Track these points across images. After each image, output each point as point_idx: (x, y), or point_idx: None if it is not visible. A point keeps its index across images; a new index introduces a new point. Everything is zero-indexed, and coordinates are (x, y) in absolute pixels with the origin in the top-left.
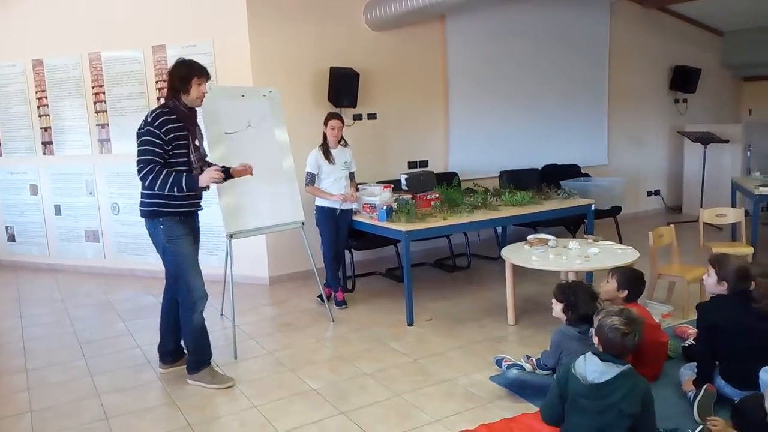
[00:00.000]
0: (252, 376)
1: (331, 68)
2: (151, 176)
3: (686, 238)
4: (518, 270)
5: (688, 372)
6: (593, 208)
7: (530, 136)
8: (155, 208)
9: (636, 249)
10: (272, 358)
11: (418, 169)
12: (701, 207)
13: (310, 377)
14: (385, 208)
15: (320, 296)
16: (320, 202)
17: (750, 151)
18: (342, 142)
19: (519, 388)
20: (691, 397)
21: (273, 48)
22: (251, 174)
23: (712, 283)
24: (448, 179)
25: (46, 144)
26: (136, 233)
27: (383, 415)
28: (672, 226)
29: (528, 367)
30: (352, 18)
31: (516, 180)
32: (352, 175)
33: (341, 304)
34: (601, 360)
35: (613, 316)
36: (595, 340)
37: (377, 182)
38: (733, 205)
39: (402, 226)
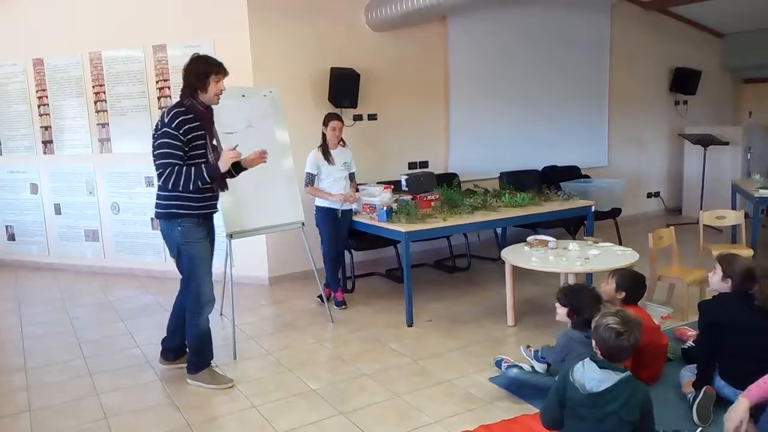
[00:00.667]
0: (251, 376)
1: (332, 69)
2: (173, 178)
3: (686, 240)
4: (518, 271)
5: (688, 374)
6: (593, 210)
7: (530, 137)
8: (173, 210)
9: (636, 251)
10: (272, 359)
11: (418, 170)
12: (701, 209)
13: (309, 378)
14: (385, 208)
15: (320, 297)
16: (320, 202)
17: (750, 154)
18: (341, 143)
19: (518, 388)
20: (691, 399)
21: (274, 48)
22: (265, 161)
23: (717, 280)
24: (448, 180)
25: (47, 143)
26: (136, 233)
27: (382, 416)
28: (672, 227)
29: (527, 366)
30: (353, 18)
31: (516, 181)
32: (352, 176)
33: (341, 304)
34: (600, 367)
35: (609, 317)
36: (593, 343)
37: (377, 183)
38: (733, 208)
39: (402, 227)
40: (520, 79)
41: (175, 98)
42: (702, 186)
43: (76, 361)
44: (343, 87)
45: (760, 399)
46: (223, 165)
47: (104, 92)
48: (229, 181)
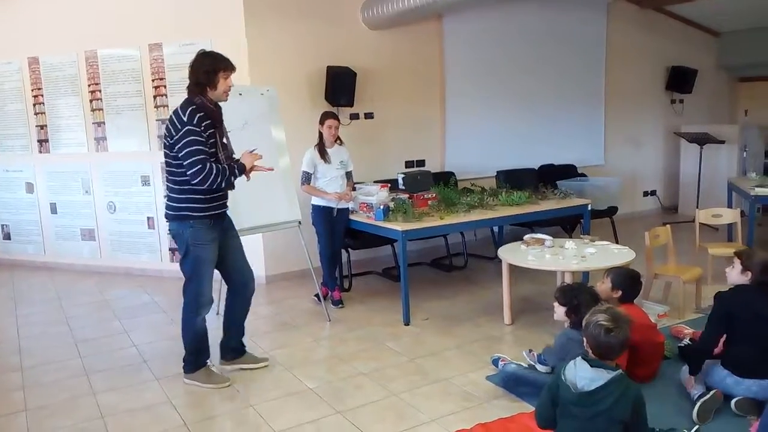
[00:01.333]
0: (248, 375)
1: (328, 67)
2: (210, 175)
3: (682, 239)
4: (515, 270)
5: (685, 370)
6: (590, 208)
7: (527, 135)
8: (185, 212)
9: (632, 249)
10: (268, 357)
11: (415, 169)
12: (697, 207)
13: (306, 377)
14: (381, 207)
15: (317, 295)
16: (316, 201)
17: (746, 152)
18: (338, 142)
19: (515, 384)
20: (695, 397)
21: (270, 47)
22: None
23: (736, 274)
24: (444, 179)
25: (42, 142)
26: (132, 231)
27: (379, 415)
28: (668, 226)
29: (524, 364)
30: (350, 17)
31: (513, 180)
32: (349, 175)
33: (338, 303)
34: (591, 366)
35: (599, 314)
36: (584, 341)
37: (374, 181)
38: (729, 206)
39: (399, 226)
40: (516, 77)
41: (172, 97)
42: (698, 184)
43: (73, 361)
44: (340, 86)
45: None
46: (249, 164)
47: (100, 91)
48: None
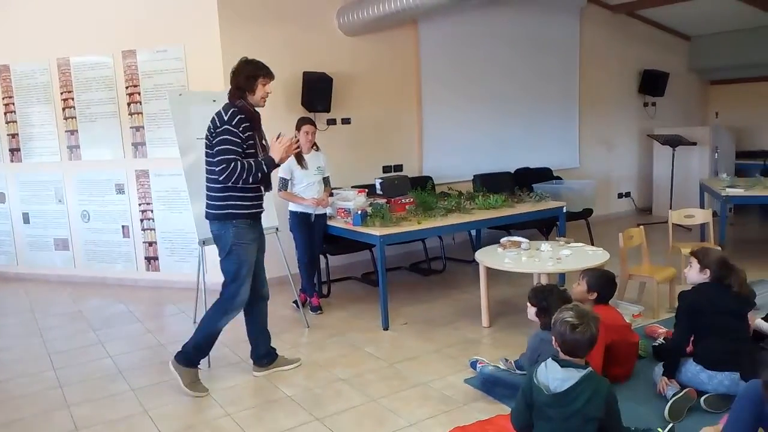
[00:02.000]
0: (226, 384)
1: (305, 73)
2: (235, 173)
3: (656, 239)
4: (492, 272)
5: (659, 371)
6: (565, 211)
7: (503, 140)
8: (229, 210)
9: (607, 250)
10: (246, 366)
11: (393, 174)
12: (671, 208)
13: (284, 384)
14: (359, 212)
15: (295, 302)
16: (294, 207)
17: (717, 153)
18: (314, 147)
19: (493, 386)
20: (669, 395)
21: (245, 52)
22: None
23: (695, 273)
24: (422, 183)
25: (14, 151)
26: (107, 240)
27: (358, 421)
28: (642, 227)
29: (503, 366)
30: (325, 23)
31: (489, 183)
32: (326, 180)
33: (316, 309)
34: (561, 366)
35: (565, 312)
36: (553, 340)
37: (352, 187)
38: (702, 206)
39: (376, 231)
40: (491, 82)
41: (147, 104)
42: (671, 186)
43: (47, 373)
44: (316, 91)
45: None
46: (277, 157)
47: (73, 99)
48: (199, 185)
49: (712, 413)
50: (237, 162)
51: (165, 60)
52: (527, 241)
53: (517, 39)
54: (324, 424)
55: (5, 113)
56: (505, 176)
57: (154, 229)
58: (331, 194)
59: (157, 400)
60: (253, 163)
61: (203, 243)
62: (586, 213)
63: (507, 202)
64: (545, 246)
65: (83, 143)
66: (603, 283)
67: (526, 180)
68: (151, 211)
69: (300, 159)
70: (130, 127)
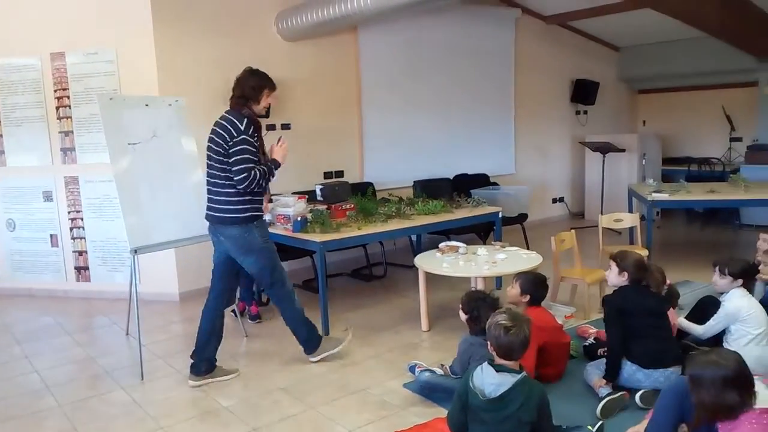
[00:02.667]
0: (160, 396)
1: None
2: (255, 180)
3: (588, 242)
4: (431, 277)
5: (594, 370)
6: (501, 216)
7: (442, 146)
8: (250, 213)
9: (541, 254)
10: (181, 377)
11: (334, 180)
12: (601, 213)
13: (221, 395)
14: (299, 219)
15: (233, 311)
16: None
17: (645, 160)
18: None
19: (430, 391)
20: (603, 394)
21: (180, 56)
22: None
23: (614, 276)
24: (363, 189)
25: None
26: (34, 250)
27: (297, 430)
28: (573, 231)
29: (438, 370)
30: (264, 27)
31: (429, 189)
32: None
33: (255, 318)
34: (497, 371)
35: (498, 315)
36: (488, 345)
37: (292, 193)
38: (630, 211)
39: (317, 237)
40: (431, 88)
41: (76, 108)
42: (602, 191)
43: None
44: None
45: None
46: (281, 158)
47: None
48: (131, 192)
49: (645, 409)
50: (256, 170)
51: (96, 63)
52: (464, 245)
53: (455, 47)
54: None
55: None
56: (444, 182)
57: (84, 238)
58: (271, 200)
59: (86, 416)
60: (265, 168)
61: (135, 252)
62: (522, 218)
63: (446, 208)
64: (482, 250)
65: (8, 149)
66: (535, 285)
67: (464, 186)
68: (81, 219)
69: None
70: (59, 132)
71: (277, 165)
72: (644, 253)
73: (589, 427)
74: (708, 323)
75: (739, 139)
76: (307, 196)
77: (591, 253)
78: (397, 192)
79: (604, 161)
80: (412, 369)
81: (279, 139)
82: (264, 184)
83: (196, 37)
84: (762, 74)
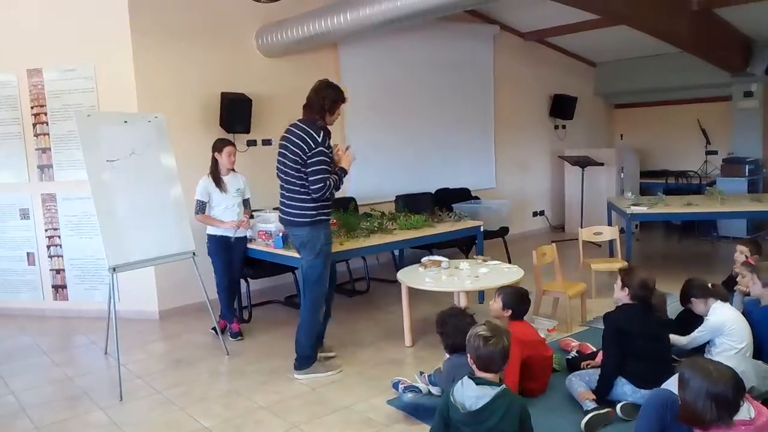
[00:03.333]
0: (139, 418)
1: (222, 93)
2: (329, 189)
3: (568, 256)
4: (414, 291)
5: (578, 381)
6: (482, 230)
7: (424, 161)
8: (320, 217)
9: (523, 267)
10: (161, 397)
11: None
12: (581, 226)
13: (202, 415)
14: (281, 234)
15: (214, 329)
16: (211, 230)
17: (623, 173)
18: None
19: (414, 410)
20: (588, 408)
21: (160, 72)
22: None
23: (618, 290)
24: (345, 204)
25: None
26: (11, 269)
27: None
28: (554, 244)
29: (423, 387)
30: (244, 44)
31: (411, 204)
32: (246, 202)
33: (236, 335)
34: (477, 384)
35: (478, 327)
36: (468, 357)
37: (273, 209)
38: (609, 224)
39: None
40: (412, 104)
41: (54, 125)
42: (581, 204)
43: None
44: (235, 112)
45: None
46: (347, 165)
47: None
48: (110, 209)
49: (626, 421)
50: (330, 179)
51: (74, 79)
52: (447, 260)
53: (436, 63)
54: None
55: None
56: (425, 197)
57: (61, 256)
58: (252, 216)
59: None
60: (336, 177)
61: (114, 270)
62: (503, 231)
63: (428, 222)
64: (464, 264)
65: None
66: (516, 300)
67: (446, 200)
68: (59, 237)
69: (218, 181)
70: (36, 149)
71: (345, 173)
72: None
73: None
74: (692, 335)
75: (714, 152)
76: None
77: (572, 266)
78: (379, 207)
79: (583, 175)
80: (395, 385)
81: (347, 147)
82: (334, 194)
83: (175, 53)
84: (735, 88)
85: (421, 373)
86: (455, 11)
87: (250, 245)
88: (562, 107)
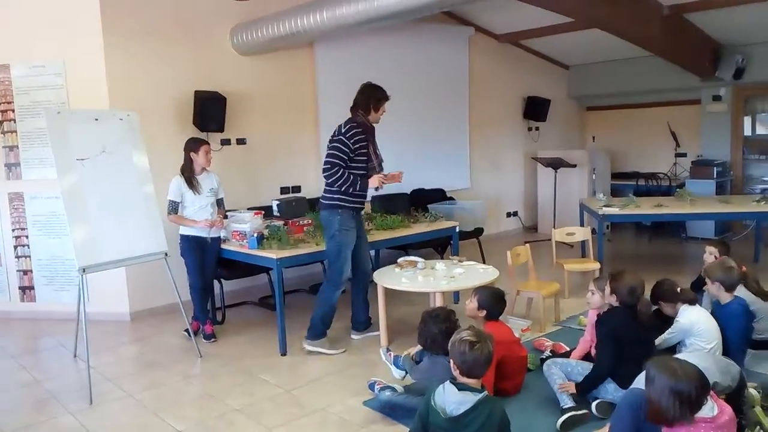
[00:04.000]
0: (109, 422)
1: (196, 92)
2: (335, 176)
3: (542, 256)
4: (390, 292)
5: (558, 371)
6: (458, 230)
7: (399, 161)
8: (336, 202)
9: (497, 267)
10: (133, 401)
11: (291, 195)
12: (554, 227)
13: (174, 418)
14: (255, 235)
15: (187, 330)
16: (184, 230)
17: (595, 175)
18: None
19: (391, 410)
20: (564, 406)
21: (132, 69)
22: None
23: (607, 294)
24: None
25: None
26: None
27: None
28: (528, 245)
29: (399, 387)
30: (218, 41)
31: (387, 204)
32: (220, 202)
33: (210, 337)
34: (459, 389)
35: (462, 332)
36: (451, 363)
37: (248, 209)
38: (581, 225)
39: (274, 253)
40: (388, 105)
41: (21, 122)
42: (554, 205)
43: None
44: (209, 111)
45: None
46: (372, 184)
47: None
48: (80, 209)
49: (602, 419)
50: (339, 169)
51: (43, 76)
52: (423, 260)
53: (412, 64)
54: None
55: None
56: (401, 197)
57: (29, 257)
58: (226, 216)
59: None
60: (353, 177)
61: (84, 271)
62: (478, 232)
63: (404, 223)
64: (440, 265)
65: None
66: (493, 301)
67: (421, 201)
68: (27, 237)
69: (192, 181)
70: (3, 147)
71: (367, 185)
72: (596, 266)
73: None
74: (663, 336)
75: (684, 155)
76: (263, 212)
77: (544, 266)
78: None
79: (555, 176)
80: (371, 386)
81: (387, 174)
82: (343, 189)
83: (148, 50)
84: (704, 92)
85: (388, 350)
86: (431, 12)
87: (223, 245)
88: (535, 109)
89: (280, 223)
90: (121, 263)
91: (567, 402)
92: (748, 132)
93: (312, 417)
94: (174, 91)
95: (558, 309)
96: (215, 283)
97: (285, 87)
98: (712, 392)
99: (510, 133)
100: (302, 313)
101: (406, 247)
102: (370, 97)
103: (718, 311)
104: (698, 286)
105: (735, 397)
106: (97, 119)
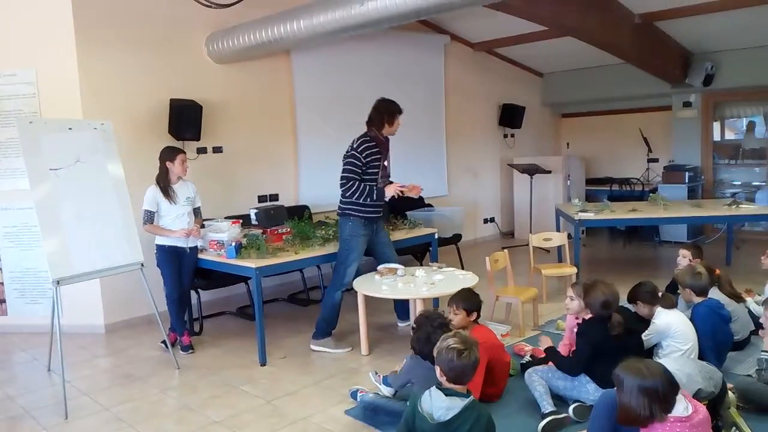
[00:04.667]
0: None
1: (172, 100)
2: (351, 189)
3: (519, 261)
4: (371, 300)
5: (537, 378)
6: (437, 237)
7: None
8: (348, 211)
9: (476, 273)
10: (109, 414)
11: (269, 203)
12: (530, 232)
13: None
14: (233, 244)
15: (164, 342)
16: (160, 240)
17: (570, 181)
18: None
19: (374, 414)
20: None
21: (106, 78)
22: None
23: (582, 305)
24: (299, 213)
25: None
26: None
27: None
28: (506, 251)
29: (382, 391)
30: (193, 49)
31: None
32: (197, 211)
33: (187, 348)
34: (446, 395)
35: (449, 339)
36: (438, 370)
37: (225, 218)
38: (558, 230)
39: (252, 263)
40: (364, 112)
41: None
42: (530, 211)
43: None
44: (185, 119)
45: None
46: (388, 194)
47: None
48: (53, 220)
49: (578, 423)
50: (356, 182)
51: (14, 84)
52: (403, 267)
53: (388, 72)
54: None
55: None
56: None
57: (0, 269)
58: (203, 225)
59: None
60: (367, 189)
61: (58, 282)
62: (456, 238)
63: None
64: (420, 272)
65: None
66: (472, 299)
67: (400, 207)
68: None
69: (168, 190)
70: None
71: (382, 194)
72: (573, 270)
73: None
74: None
75: (656, 160)
76: (241, 221)
77: (522, 271)
78: (333, 215)
79: (531, 182)
80: (353, 395)
81: (402, 186)
82: (361, 200)
83: (122, 58)
84: (675, 99)
85: (376, 373)
86: (408, 21)
87: (201, 255)
88: (510, 116)
89: (259, 231)
90: (96, 274)
91: (547, 407)
92: (717, 137)
93: (293, 427)
94: (149, 100)
95: (537, 314)
96: (192, 293)
97: (262, 95)
98: (684, 391)
99: (486, 140)
100: (281, 323)
101: None
102: (384, 113)
103: (692, 313)
104: (673, 288)
105: (716, 402)
106: (70, 128)
